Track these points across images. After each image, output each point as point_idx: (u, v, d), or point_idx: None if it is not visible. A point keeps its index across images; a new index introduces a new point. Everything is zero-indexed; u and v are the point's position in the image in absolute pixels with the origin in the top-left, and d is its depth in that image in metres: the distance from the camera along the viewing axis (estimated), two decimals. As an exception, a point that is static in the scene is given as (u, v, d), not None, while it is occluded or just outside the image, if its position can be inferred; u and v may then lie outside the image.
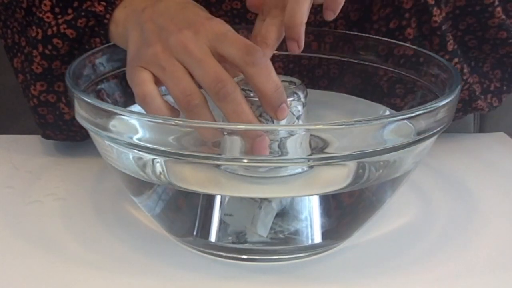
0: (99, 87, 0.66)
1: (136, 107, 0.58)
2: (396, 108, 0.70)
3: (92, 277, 0.58)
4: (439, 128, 0.56)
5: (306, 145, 0.57)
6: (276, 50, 0.59)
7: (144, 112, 0.57)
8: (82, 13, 0.69)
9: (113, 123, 0.55)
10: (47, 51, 0.70)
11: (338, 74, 0.74)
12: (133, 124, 0.54)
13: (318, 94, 0.73)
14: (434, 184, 0.73)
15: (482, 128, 0.92)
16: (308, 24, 0.58)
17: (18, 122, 0.96)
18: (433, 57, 0.66)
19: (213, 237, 0.59)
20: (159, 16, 0.59)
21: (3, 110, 0.98)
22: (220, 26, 0.57)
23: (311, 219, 0.59)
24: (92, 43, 0.69)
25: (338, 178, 0.57)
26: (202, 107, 0.55)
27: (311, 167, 0.58)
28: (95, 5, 0.69)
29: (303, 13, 0.56)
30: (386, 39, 0.70)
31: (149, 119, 0.54)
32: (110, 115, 0.55)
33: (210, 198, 0.59)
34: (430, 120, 0.55)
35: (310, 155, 0.56)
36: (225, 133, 0.53)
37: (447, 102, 0.56)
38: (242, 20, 0.74)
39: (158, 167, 0.57)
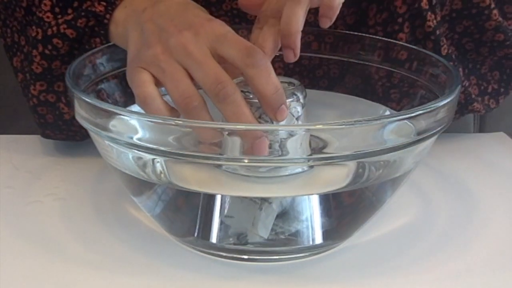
0: (99, 87, 0.66)
1: (136, 107, 0.58)
2: (396, 107, 0.70)
3: (92, 277, 0.58)
4: (439, 128, 0.56)
5: (306, 145, 0.57)
6: (277, 50, 0.59)
7: (144, 112, 0.57)
8: (82, 13, 0.69)
9: (113, 123, 0.55)
10: (47, 51, 0.70)
11: (338, 74, 0.74)
12: (133, 124, 0.54)
13: (318, 94, 0.73)
14: (434, 184, 0.73)
15: (482, 128, 0.92)
16: (308, 24, 0.58)
17: (18, 122, 0.95)
18: (433, 57, 0.66)
19: (214, 238, 0.59)
20: (159, 16, 0.59)
21: (3, 110, 0.98)
22: (220, 27, 0.57)
23: (312, 220, 0.59)
24: (92, 43, 0.69)
25: (338, 178, 0.57)
26: (200, 109, 0.55)
27: (311, 167, 0.58)
28: (95, 5, 0.69)
29: (298, 22, 0.56)
30: (387, 39, 0.70)
31: (149, 119, 0.54)
32: (110, 115, 0.55)
33: (210, 199, 0.59)
34: (430, 120, 0.55)
35: (310, 155, 0.56)
36: (225, 133, 0.53)
37: (447, 102, 0.56)
38: (242, 20, 0.74)
39: (158, 167, 0.57)
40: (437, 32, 0.71)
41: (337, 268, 0.59)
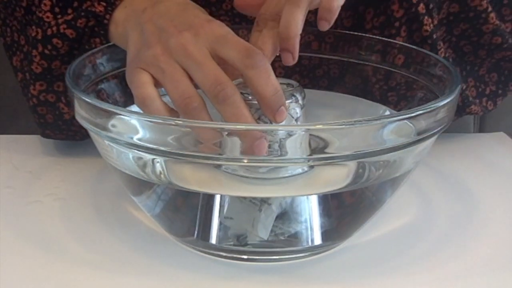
0: (99, 87, 0.66)
1: (136, 107, 0.58)
2: (403, 99, 0.70)
3: (92, 277, 0.58)
4: (439, 128, 0.56)
5: (306, 145, 0.57)
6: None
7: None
8: (82, 13, 0.69)
9: (113, 123, 0.55)
10: (46, 51, 0.70)
11: (338, 74, 0.74)
12: (133, 124, 0.54)
13: (318, 94, 0.73)
14: (434, 184, 0.73)
15: (482, 128, 0.92)
16: (308, 24, 0.58)
17: (18, 122, 0.96)
18: (433, 57, 0.66)
19: (213, 239, 0.59)
20: (159, 17, 0.59)
21: (3, 110, 0.98)
22: (219, 28, 0.57)
23: (311, 221, 0.59)
24: (92, 43, 0.69)
25: (338, 178, 0.57)
26: (200, 110, 0.55)
27: (311, 167, 0.58)
28: (95, 5, 0.69)
29: (297, 25, 0.56)
30: (387, 39, 0.70)
31: (149, 119, 0.54)
32: (110, 115, 0.55)
33: (209, 200, 0.59)
34: (430, 120, 0.55)
35: (310, 155, 0.56)
36: (225, 133, 0.53)
37: (447, 102, 0.56)
38: (242, 19, 0.74)
39: (158, 167, 0.57)
40: (434, 36, 0.72)
41: (337, 268, 0.59)
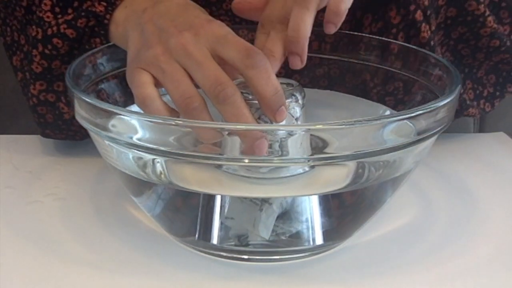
0: (99, 87, 0.66)
1: (136, 107, 0.58)
2: (401, 103, 0.70)
3: (92, 277, 0.58)
4: (439, 128, 0.56)
5: (307, 145, 0.57)
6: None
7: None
8: (82, 13, 0.69)
9: (113, 123, 0.55)
10: (47, 51, 0.70)
11: (338, 74, 0.74)
12: (133, 124, 0.54)
13: (318, 94, 0.73)
14: (434, 184, 0.73)
15: (482, 128, 0.92)
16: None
17: (18, 122, 0.96)
18: (433, 57, 0.66)
19: (214, 240, 0.59)
20: (159, 17, 0.59)
21: (3, 110, 0.98)
22: (220, 28, 0.57)
23: (312, 220, 0.59)
24: (92, 43, 0.69)
25: (338, 178, 0.57)
26: (201, 110, 0.55)
27: (311, 167, 0.58)
28: (95, 5, 0.69)
29: (306, 28, 0.56)
30: (387, 39, 0.70)
31: (149, 119, 0.54)
32: (110, 115, 0.55)
33: (210, 200, 0.59)
34: (430, 120, 0.55)
35: (311, 155, 0.56)
36: (225, 133, 0.53)
37: (447, 102, 0.56)
38: (243, 19, 0.74)
39: (159, 167, 0.57)
40: (432, 42, 0.72)
41: (337, 268, 0.59)
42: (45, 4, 0.70)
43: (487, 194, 0.71)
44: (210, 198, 0.59)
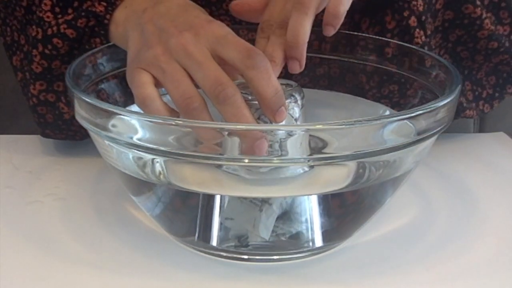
0: (99, 87, 0.66)
1: (136, 107, 0.58)
2: (397, 105, 0.70)
3: (92, 277, 0.58)
4: (439, 128, 0.56)
5: (306, 145, 0.57)
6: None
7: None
8: (82, 13, 0.69)
9: (113, 123, 0.55)
10: (47, 51, 0.70)
11: (338, 74, 0.74)
12: (133, 124, 0.54)
13: (318, 94, 0.73)
14: (434, 184, 0.73)
15: (482, 128, 0.92)
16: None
17: (18, 122, 0.96)
18: (433, 57, 0.66)
19: (214, 241, 0.59)
20: (159, 17, 0.59)
21: (3, 110, 0.98)
22: (220, 29, 0.57)
23: (312, 221, 0.59)
24: (92, 43, 0.69)
25: (338, 178, 0.57)
26: (201, 110, 0.55)
27: (311, 167, 0.58)
28: (95, 5, 0.69)
29: (305, 33, 0.57)
30: (387, 39, 0.70)
31: (149, 119, 0.54)
32: (110, 115, 0.55)
33: (210, 200, 0.59)
34: (430, 120, 0.55)
35: (310, 155, 0.56)
36: (225, 133, 0.53)
37: (447, 102, 0.56)
38: (243, 20, 0.74)
39: (158, 167, 0.57)
40: (426, 47, 0.72)
41: (337, 268, 0.59)
42: (45, 4, 0.70)
43: (487, 194, 0.71)
44: (210, 198, 0.59)
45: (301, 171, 0.59)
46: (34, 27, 0.70)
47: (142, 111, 0.57)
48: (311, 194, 0.59)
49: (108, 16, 0.68)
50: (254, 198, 0.58)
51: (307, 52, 0.59)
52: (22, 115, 0.93)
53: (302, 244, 0.60)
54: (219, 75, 0.55)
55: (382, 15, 0.72)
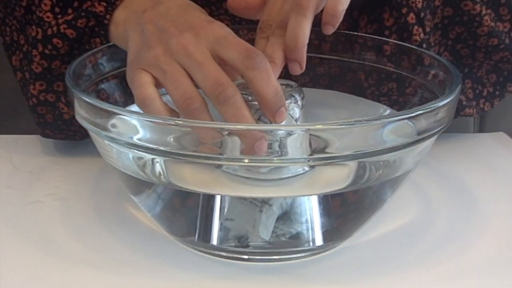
0: (99, 87, 0.66)
1: (136, 107, 0.58)
2: (396, 104, 0.70)
3: (92, 277, 0.58)
4: (439, 128, 0.56)
5: (306, 145, 0.57)
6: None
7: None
8: (82, 13, 0.69)
9: (113, 123, 0.55)
10: (47, 51, 0.70)
11: (339, 73, 0.74)
12: (133, 124, 0.54)
13: (318, 94, 0.73)
14: (434, 184, 0.73)
15: (482, 128, 0.92)
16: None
17: (18, 122, 0.95)
18: (433, 57, 0.66)
19: (214, 241, 0.59)
20: (159, 18, 0.59)
21: (3, 110, 0.98)
22: (220, 29, 0.57)
23: (312, 221, 0.59)
24: (92, 43, 0.69)
25: (338, 178, 0.57)
26: (201, 111, 0.55)
27: (311, 167, 0.58)
28: (95, 5, 0.69)
29: (305, 35, 0.57)
30: (386, 39, 0.70)
31: (149, 119, 0.54)
32: (110, 115, 0.55)
33: (210, 201, 0.59)
34: (430, 120, 0.55)
35: (311, 155, 0.56)
36: (225, 133, 0.53)
37: (447, 102, 0.56)
38: (243, 19, 0.74)
39: (158, 167, 0.57)
40: (424, 45, 0.72)
41: (337, 268, 0.59)
42: (45, 4, 0.70)
43: (487, 194, 0.71)
44: (210, 198, 0.59)
45: (301, 171, 0.59)
46: (34, 27, 0.70)
47: (142, 111, 0.57)
48: (311, 194, 0.59)
49: (108, 16, 0.68)
50: (254, 199, 0.58)
51: (307, 51, 0.59)
52: (22, 115, 0.93)
53: (302, 244, 0.60)
54: (219, 75, 0.55)
55: (380, 12, 0.71)
